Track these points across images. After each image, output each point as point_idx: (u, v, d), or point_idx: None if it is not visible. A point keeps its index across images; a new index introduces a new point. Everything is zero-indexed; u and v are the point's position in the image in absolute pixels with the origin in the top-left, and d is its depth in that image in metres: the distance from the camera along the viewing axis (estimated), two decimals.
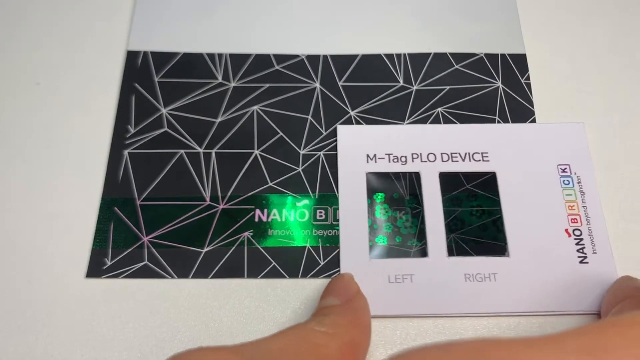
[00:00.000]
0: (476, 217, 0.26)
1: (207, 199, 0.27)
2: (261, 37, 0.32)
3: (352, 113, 0.29)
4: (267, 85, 0.30)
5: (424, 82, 0.30)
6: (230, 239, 0.26)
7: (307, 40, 0.32)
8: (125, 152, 0.28)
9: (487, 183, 0.27)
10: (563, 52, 0.32)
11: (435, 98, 0.30)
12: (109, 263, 0.26)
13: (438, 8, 0.33)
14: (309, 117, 0.29)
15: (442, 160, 0.27)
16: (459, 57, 0.31)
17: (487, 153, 0.27)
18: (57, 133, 0.29)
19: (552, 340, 0.14)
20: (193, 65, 0.31)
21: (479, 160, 0.27)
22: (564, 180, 0.27)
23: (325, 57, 0.31)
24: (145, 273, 0.25)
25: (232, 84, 0.30)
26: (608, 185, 0.27)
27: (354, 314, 0.22)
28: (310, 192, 0.27)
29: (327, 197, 0.27)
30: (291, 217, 0.27)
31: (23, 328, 0.24)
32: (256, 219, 0.27)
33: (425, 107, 0.30)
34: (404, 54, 0.31)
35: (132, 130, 0.29)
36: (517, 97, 0.30)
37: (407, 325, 0.24)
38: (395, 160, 0.27)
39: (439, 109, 0.29)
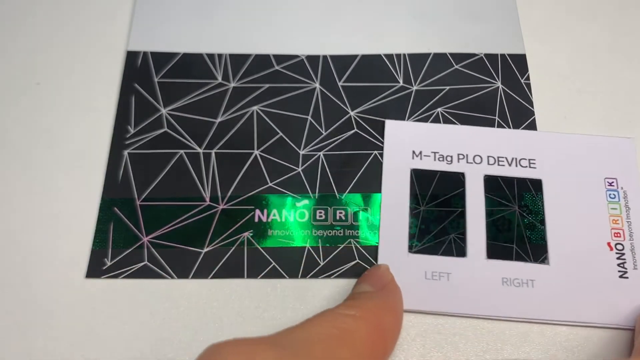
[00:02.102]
0: (518, 222, 0.26)
1: (207, 199, 0.27)
2: (261, 37, 0.32)
3: (352, 113, 0.29)
4: (267, 85, 0.30)
5: (423, 82, 0.30)
6: (230, 239, 0.26)
7: (307, 40, 0.32)
8: (125, 152, 0.28)
9: (531, 189, 0.27)
10: (563, 52, 0.32)
11: (435, 98, 0.30)
12: (108, 263, 0.26)
13: (438, 8, 0.33)
14: (309, 118, 0.29)
15: (488, 163, 0.27)
16: (459, 57, 0.31)
17: (534, 160, 0.27)
18: (57, 133, 0.29)
19: None
20: (193, 65, 0.31)
21: (526, 167, 0.27)
22: (610, 194, 0.26)
23: (325, 57, 0.31)
24: (145, 273, 0.26)
25: (232, 84, 0.30)
26: None
27: (385, 300, 0.22)
28: (310, 193, 0.27)
29: (327, 198, 0.27)
30: (291, 218, 0.27)
31: (23, 328, 0.24)
32: (256, 219, 0.27)
33: (425, 108, 0.30)
34: (404, 54, 0.31)
35: (132, 131, 0.29)
36: (517, 97, 0.30)
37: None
38: (441, 159, 0.27)
39: (439, 109, 0.29)
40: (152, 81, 0.30)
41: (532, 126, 0.29)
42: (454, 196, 0.27)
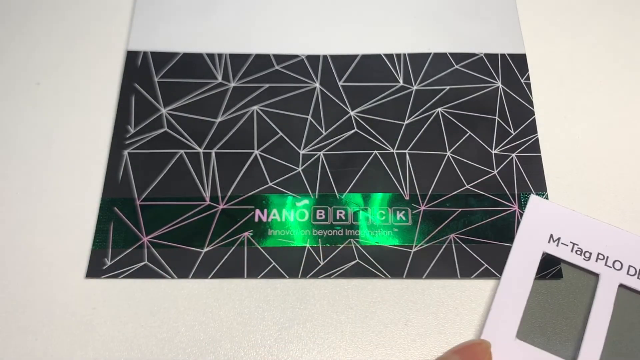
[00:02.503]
0: None
1: (207, 199, 0.27)
2: (261, 37, 0.32)
3: (352, 113, 0.29)
4: (267, 85, 0.30)
5: (423, 82, 0.30)
6: (230, 239, 0.26)
7: (307, 40, 0.32)
8: (125, 152, 0.28)
9: None
10: (563, 52, 0.32)
11: (435, 98, 0.30)
12: (108, 263, 0.26)
13: (438, 8, 0.33)
14: (309, 117, 0.29)
15: (628, 273, 0.25)
16: (459, 57, 0.31)
17: None
18: (57, 133, 0.29)
19: None
20: (193, 65, 0.31)
21: None
22: None
23: (325, 57, 0.31)
24: (145, 273, 0.25)
25: (232, 84, 0.30)
26: None
27: None
28: (310, 192, 0.27)
29: (327, 197, 0.27)
30: (291, 217, 0.27)
31: (23, 328, 0.24)
32: (256, 219, 0.27)
33: (425, 107, 0.30)
34: (404, 54, 0.31)
35: (132, 130, 0.29)
36: (517, 97, 0.30)
37: None
38: (579, 252, 0.25)
39: (439, 109, 0.29)
40: (152, 81, 0.30)
41: (532, 126, 0.29)
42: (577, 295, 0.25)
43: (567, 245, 0.25)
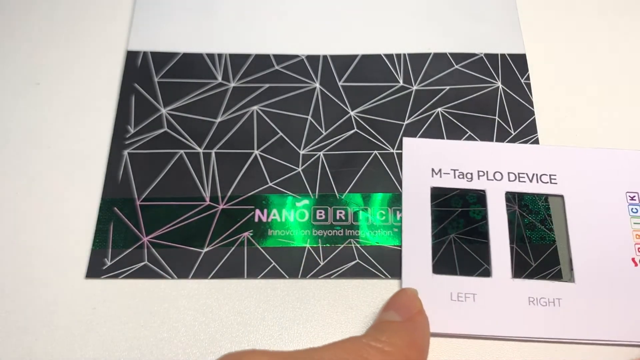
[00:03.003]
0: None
1: (207, 199, 0.27)
2: (261, 37, 0.32)
3: (352, 113, 0.29)
4: (267, 85, 0.30)
5: (423, 82, 0.30)
6: (230, 239, 0.26)
7: (307, 40, 0.32)
8: (125, 152, 0.28)
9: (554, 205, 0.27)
10: (563, 52, 0.32)
11: (435, 98, 0.30)
12: (108, 263, 0.26)
13: (438, 8, 0.33)
14: (309, 117, 0.29)
15: (509, 180, 0.27)
16: (459, 57, 0.31)
17: (555, 175, 0.27)
18: (57, 133, 0.29)
19: None
20: (193, 65, 0.31)
21: (547, 182, 0.27)
22: (632, 209, 0.26)
23: (325, 57, 0.31)
24: (145, 273, 0.25)
25: (232, 84, 0.30)
26: None
27: (413, 334, 0.21)
28: (310, 192, 0.27)
29: (327, 197, 0.27)
30: (291, 217, 0.27)
31: (23, 328, 0.24)
32: (256, 219, 0.27)
33: (425, 107, 0.30)
34: (404, 54, 0.31)
35: (132, 131, 0.29)
36: (517, 97, 0.30)
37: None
38: (461, 176, 0.27)
39: (439, 109, 0.29)
40: (152, 81, 0.30)
41: (532, 126, 0.29)
42: (474, 214, 0.27)
43: (449, 174, 0.27)
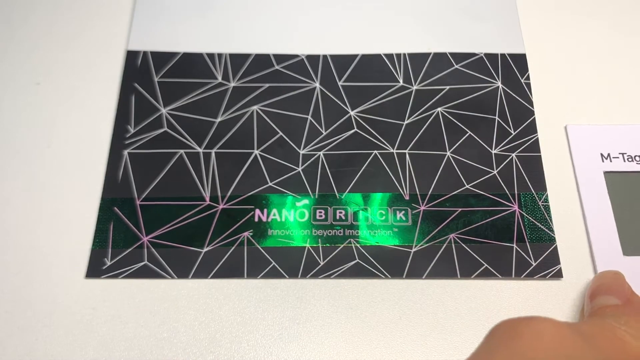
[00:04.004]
0: None
1: (207, 199, 0.27)
2: (261, 37, 0.32)
3: (352, 113, 0.29)
4: (267, 85, 0.30)
5: (423, 82, 0.30)
6: (230, 239, 0.26)
7: (307, 40, 0.32)
8: (125, 152, 0.28)
9: None
10: (563, 52, 0.32)
11: (435, 98, 0.30)
12: (108, 263, 0.26)
13: (438, 8, 0.33)
14: (309, 117, 0.29)
15: None
16: (459, 57, 0.31)
17: None
18: (57, 133, 0.29)
19: None
20: (193, 65, 0.31)
21: None
22: None
23: (325, 57, 0.31)
24: (145, 273, 0.25)
25: (232, 84, 0.30)
26: None
27: None
28: (310, 192, 0.27)
29: (327, 197, 0.27)
30: (291, 217, 0.27)
31: (23, 328, 0.24)
32: (256, 219, 0.27)
33: (425, 107, 0.30)
34: (404, 54, 0.31)
35: (132, 130, 0.29)
36: (517, 97, 0.30)
37: None
38: (630, 159, 0.27)
39: (439, 109, 0.29)
40: (152, 81, 0.30)
41: (532, 126, 0.29)
42: None
43: (617, 157, 0.28)
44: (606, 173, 0.27)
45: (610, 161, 0.27)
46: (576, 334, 0.17)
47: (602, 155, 0.28)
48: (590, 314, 0.22)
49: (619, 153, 0.28)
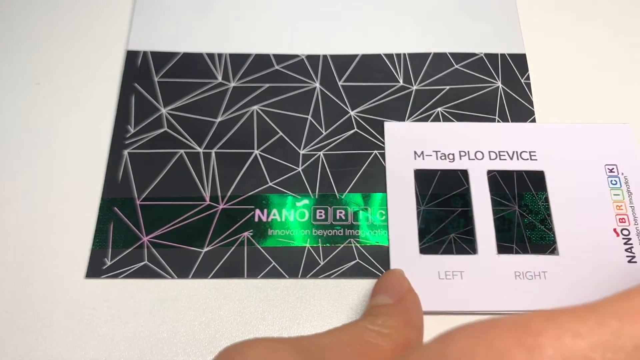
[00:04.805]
0: (524, 216, 0.26)
1: (207, 199, 0.27)
2: (261, 37, 0.32)
3: (352, 113, 0.29)
4: (267, 85, 0.30)
5: (423, 82, 0.30)
6: (230, 239, 0.26)
7: (307, 40, 0.32)
8: (125, 152, 0.28)
9: (534, 182, 0.27)
10: (563, 52, 0.32)
11: (435, 98, 0.30)
12: (108, 263, 0.26)
13: (438, 8, 0.33)
14: (309, 117, 0.29)
15: (490, 159, 0.28)
16: (459, 57, 0.31)
17: (535, 152, 0.28)
18: (57, 133, 0.29)
19: (592, 307, 0.14)
20: (193, 65, 0.31)
21: (527, 159, 0.27)
22: (611, 180, 0.27)
23: (325, 57, 0.31)
24: (145, 273, 0.25)
25: (232, 84, 0.30)
26: None
27: (407, 314, 0.21)
28: (310, 192, 0.27)
29: (327, 197, 0.27)
30: (291, 217, 0.27)
31: (23, 328, 0.24)
32: (256, 219, 0.27)
33: (425, 107, 0.30)
34: (404, 54, 0.31)
35: (132, 130, 0.29)
36: (517, 97, 0.30)
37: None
38: (443, 157, 0.28)
39: (439, 109, 0.29)
40: (152, 81, 0.30)
41: None
42: (457, 194, 0.27)
43: (431, 155, 0.28)
44: (416, 170, 0.27)
45: (423, 159, 0.27)
46: (301, 352, 0.17)
47: (415, 152, 0.28)
48: (363, 314, 0.22)
49: (433, 151, 0.28)
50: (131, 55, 0.31)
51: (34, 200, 0.27)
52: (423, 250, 0.26)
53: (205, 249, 0.26)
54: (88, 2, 0.33)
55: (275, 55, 0.31)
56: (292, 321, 0.25)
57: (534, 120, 0.29)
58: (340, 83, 0.30)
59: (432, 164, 0.27)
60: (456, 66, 0.31)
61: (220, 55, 0.31)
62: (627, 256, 0.25)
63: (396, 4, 0.33)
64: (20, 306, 0.25)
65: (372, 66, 0.31)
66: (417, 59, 0.31)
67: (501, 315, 0.23)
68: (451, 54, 0.31)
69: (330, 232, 0.26)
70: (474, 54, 0.31)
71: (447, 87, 0.30)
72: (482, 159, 0.27)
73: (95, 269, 0.26)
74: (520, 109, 0.30)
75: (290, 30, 0.32)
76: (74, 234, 0.26)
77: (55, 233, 0.26)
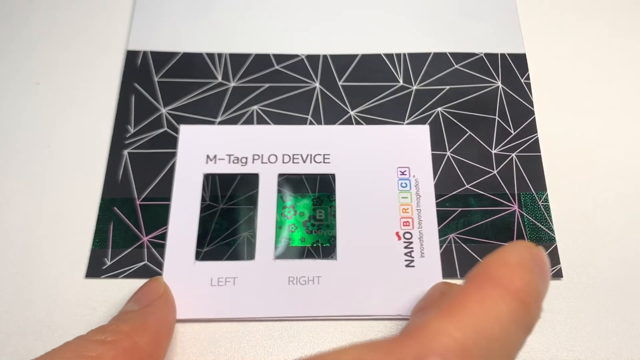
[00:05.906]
0: (313, 220, 0.26)
1: (207, 198, 0.27)
2: (261, 37, 0.32)
3: (352, 113, 0.29)
4: (267, 85, 0.30)
5: (423, 82, 0.30)
6: (230, 238, 0.26)
7: (307, 40, 0.32)
8: (125, 152, 0.28)
9: (323, 185, 0.27)
10: (563, 52, 0.32)
11: (435, 98, 0.30)
12: (108, 263, 0.26)
13: (438, 8, 0.33)
14: (309, 117, 0.29)
15: (283, 162, 0.27)
16: (459, 57, 0.31)
17: (328, 155, 0.27)
18: (57, 133, 0.29)
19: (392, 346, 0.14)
20: (193, 65, 0.31)
21: (320, 162, 0.27)
22: (401, 183, 0.26)
23: (325, 57, 0.31)
24: (145, 273, 0.25)
25: (232, 84, 0.30)
26: None
27: (146, 319, 0.21)
28: (310, 192, 0.27)
29: (327, 197, 0.27)
30: (290, 217, 0.27)
31: (23, 328, 0.24)
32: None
33: (425, 107, 0.30)
34: (404, 54, 0.31)
35: (132, 130, 0.29)
36: (517, 97, 0.30)
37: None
38: (236, 161, 0.27)
39: (439, 109, 0.29)
40: (152, 80, 0.30)
41: (532, 126, 0.29)
42: (247, 198, 0.27)
43: (224, 159, 0.27)
44: (206, 175, 0.27)
45: (215, 163, 0.27)
46: None
47: (207, 156, 0.27)
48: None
49: (226, 155, 0.27)
50: (131, 55, 0.31)
51: (34, 200, 0.27)
52: (199, 257, 0.25)
53: (205, 249, 0.26)
54: (88, 2, 0.33)
55: (275, 55, 0.31)
56: (292, 321, 0.25)
57: (533, 121, 0.29)
58: (340, 83, 0.30)
59: (223, 168, 0.27)
60: (456, 66, 0.31)
61: (220, 55, 0.31)
62: (406, 260, 0.25)
63: (396, 4, 0.33)
64: (20, 306, 0.25)
65: (372, 66, 0.31)
66: (417, 58, 0.31)
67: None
68: (451, 53, 0.31)
69: (329, 232, 0.26)
70: (474, 54, 0.31)
71: (447, 87, 0.30)
72: (275, 162, 0.27)
73: (95, 269, 0.26)
74: (520, 109, 0.30)
75: (290, 30, 0.32)
76: (74, 234, 0.26)
77: (55, 233, 0.26)
